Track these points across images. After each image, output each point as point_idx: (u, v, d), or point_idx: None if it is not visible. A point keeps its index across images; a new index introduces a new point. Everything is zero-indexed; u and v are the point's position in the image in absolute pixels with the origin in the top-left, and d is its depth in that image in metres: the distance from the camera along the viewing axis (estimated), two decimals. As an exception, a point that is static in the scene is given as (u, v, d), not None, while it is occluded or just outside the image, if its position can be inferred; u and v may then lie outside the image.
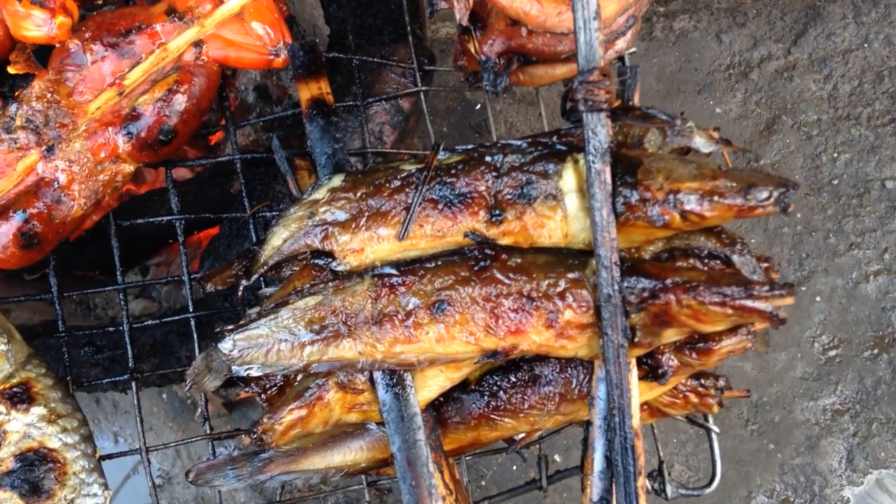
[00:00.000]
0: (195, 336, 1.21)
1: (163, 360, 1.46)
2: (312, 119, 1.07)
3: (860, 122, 3.10)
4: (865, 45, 3.20)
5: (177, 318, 1.25)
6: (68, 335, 1.34)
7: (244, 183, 1.24)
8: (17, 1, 1.16)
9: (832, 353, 2.92)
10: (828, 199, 3.03)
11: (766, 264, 1.02)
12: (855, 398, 2.88)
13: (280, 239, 1.05)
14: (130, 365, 1.20)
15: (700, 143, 1.03)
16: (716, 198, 0.92)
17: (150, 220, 1.24)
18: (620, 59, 1.31)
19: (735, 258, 0.99)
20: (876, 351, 2.92)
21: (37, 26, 1.16)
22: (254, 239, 1.23)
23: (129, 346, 1.20)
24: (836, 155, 3.07)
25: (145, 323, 1.24)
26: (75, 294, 1.26)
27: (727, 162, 1.06)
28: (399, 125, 1.34)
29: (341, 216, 1.03)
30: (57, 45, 1.19)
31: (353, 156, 1.29)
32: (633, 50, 1.28)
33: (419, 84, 1.30)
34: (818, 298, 2.96)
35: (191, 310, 1.22)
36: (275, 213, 1.25)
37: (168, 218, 1.24)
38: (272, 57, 1.21)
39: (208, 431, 1.19)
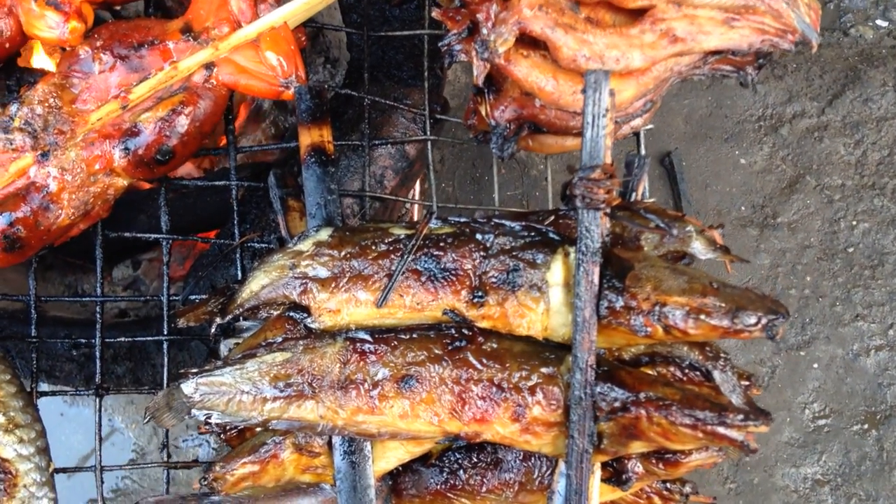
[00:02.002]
0: (166, 360, 1.20)
1: (137, 365, 1.45)
2: (309, 166, 1.05)
3: (884, 193, 3.04)
4: (901, 117, 3.14)
5: (150, 338, 1.23)
6: (46, 328, 1.34)
7: (237, 211, 1.22)
8: (33, 0, 1.14)
9: (822, 422, 2.89)
10: (840, 267, 2.99)
11: (747, 382, 0.99)
12: (838, 471, 2.85)
13: (259, 284, 1.04)
14: (97, 380, 1.19)
15: (698, 249, 1.00)
16: (702, 316, 0.89)
17: (138, 235, 1.23)
18: (636, 134, 1.28)
19: (716, 374, 0.96)
20: (866, 426, 2.88)
21: (49, 28, 1.14)
22: (239, 269, 1.21)
23: (98, 361, 1.19)
24: (854, 223, 3.02)
25: (118, 339, 1.22)
26: (51, 300, 1.25)
27: (728, 270, 1.03)
28: (402, 171, 1.31)
29: (322, 273, 1.01)
30: (67, 49, 1.18)
31: (351, 197, 1.27)
32: (649, 127, 1.25)
33: (428, 132, 1.27)
34: (815, 365, 2.92)
35: (165, 332, 1.21)
36: (263, 246, 1.23)
37: (156, 236, 1.22)
38: (282, 89, 1.19)
39: (165, 459, 1.18)
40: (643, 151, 1.28)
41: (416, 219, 1.57)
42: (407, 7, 1.47)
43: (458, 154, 2.81)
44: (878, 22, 3.25)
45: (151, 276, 1.72)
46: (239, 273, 1.21)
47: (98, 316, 1.21)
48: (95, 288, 1.21)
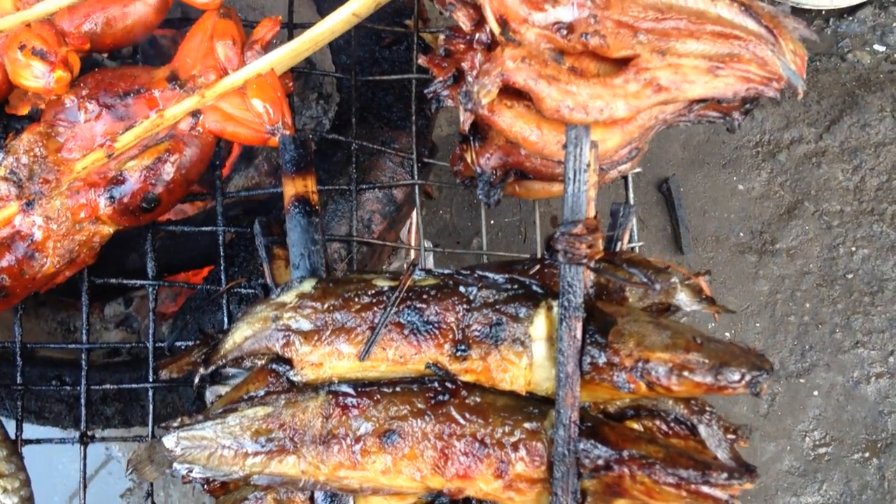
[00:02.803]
0: (151, 408, 1.19)
1: (127, 406, 1.44)
2: (293, 217, 1.05)
3: (883, 219, 3.03)
4: (900, 141, 3.13)
5: (136, 385, 1.23)
6: (36, 367, 1.33)
7: (224, 256, 1.22)
8: (19, 49, 1.15)
9: (822, 450, 2.87)
10: (839, 293, 2.97)
11: (733, 436, 0.98)
12: (839, 500, 2.82)
13: (242, 336, 1.03)
14: (82, 428, 1.18)
15: (683, 300, 0.99)
16: (685, 373, 0.88)
17: (125, 281, 1.23)
18: (624, 178, 1.28)
19: (701, 428, 0.95)
20: (867, 454, 2.86)
21: (35, 77, 1.15)
22: (226, 314, 1.21)
23: (83, 408, 1.18)
24: (854, 249, 3.01)
25: (104, 387, 1.22)
26: (37, 346, 1.25)
27: (716, 318, 1.02)
28: (390, 215, 1.31)
29: (305, 325, 1.00)
30: (53, 98, 1.18)
31: (338, 242, 1.26)
32: (637, 170, 1.25)
33: (416, 176, 1.27)
34: (815, 393, 2.90)
35: (150, 380, 1.21)
36: (250, 291, 1.23)
37: (142, 282, 1.22)
38: (269, 136, 1.19)
39: (151, 508, 1.17)
40: (631, 197, 1.27)
41: (411, 252, 1.56)
42: (396, 48, 1.47)
43: (455, 180, 2.82)
44: (876, 47, 3.25)
45: (143, 313, 1.72)
46: (226, 319, 1.21)
47: (83, 363, 1.20)
48: (82, 334, 1.21)
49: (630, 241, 1.25)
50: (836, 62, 3.23)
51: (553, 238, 0.92)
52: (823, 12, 3.20)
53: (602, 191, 1.33)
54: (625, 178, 1.28)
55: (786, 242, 3.01)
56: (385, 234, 1.32)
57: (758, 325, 2.92)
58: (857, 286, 2.98)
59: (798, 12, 3.17)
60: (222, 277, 1.21)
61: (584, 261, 0.90)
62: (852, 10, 3.21)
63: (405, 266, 1.56)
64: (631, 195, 1.26)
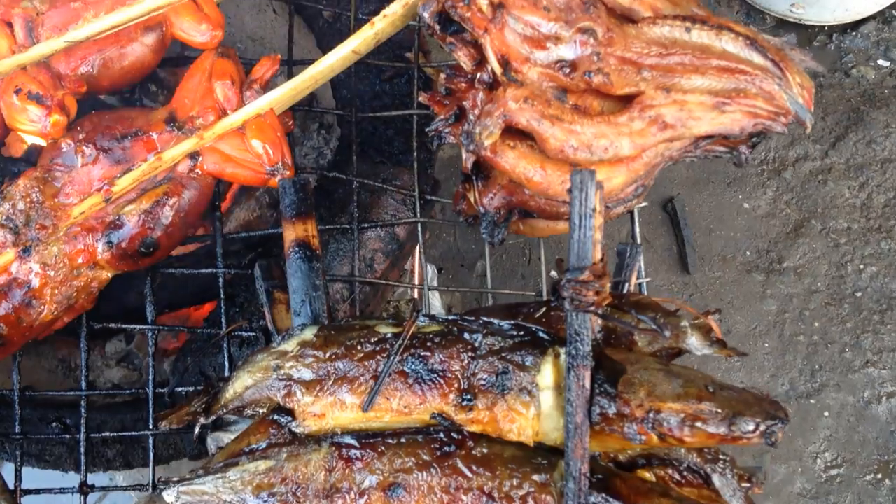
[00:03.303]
0: (152, 456, 1.17)
1: (128, 448, 1.42)
2: (293, 262, 1.03)
3: (891, 236, 3.00)
4: (906, 156, 3.10)
5: (136, 433, 1.21)
6: (36, 410, 1.31)
7: (223, 299, 1.20)
8: (14, 93, 1.13)
9: (834, 471, 2.83)
10: (848, 312, 2.94)
11: (748, 484, 0.95)
12: (852, 523, 2.79)
13: (243, 385, 1.01)
14: (81, 478, 1.16)
15: (694, 344, 0.97)
16: (698, 423, 0.86)
17: (123, 326, 1.21)
18: (630, 213, 1.26)
19: (715, 478, 0.93)
20: (879, 475, 2.82)
21: (31, 122, 1.13)
22: (227, 358, 1.19)
23: (82, 457, 1.16)
24: (862, 266, 2.98)
25: (104, 434, 1.20)
26: (35, 394, 1.23)
27: (728, 353, 0.99)
28: (392, 253, 1.29)
29: (307, 375, 0.98)
30: (49, 142, 1.16)
31: (341, 282, 1.24)
32: (643, 205, 1.23)
33: (418, 214, 1.25)
34: (826, 413, 2.86)
35: (150, 427, 1.18)
36: (250, 334, 1.21)
37: (141, 328, 1.20)
38: (269, 176, 1.17)
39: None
40: (637, 234, 1.25)
41: (416, 279, 1.54)
42: (397, 81, 1.46)
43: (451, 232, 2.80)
44: (880, 62, 3.23)
45: (145, 350, 1.69)
46: (227, 362, 1.19)
47: (83, 410, 1.18)
48: (81, 381, 1.19)
49: (637, 276, 1.23)
50: (840, 78, 3.21)
51: (559, 285, 0.89)
52: (826, 28, 3.18)
53: (608, 222, 1.31)
54: (631, 212, 1.25)
55: (793, 261, 2.98)
56: (388, 273, 1.30)
57: (766, 345, 2.89)
58: (866, 304, 2.94)
59: (801, 28, 3.15)
60: (223, 320, 1.19)
61: (592, 308, 0.88)
62: (856, 25, 3.19)
63: (408, 299, 1.54)
64: (637, 231, 1.24)
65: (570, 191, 0.89)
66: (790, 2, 3.08)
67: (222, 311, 1.20)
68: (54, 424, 1.44)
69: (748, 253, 2.99)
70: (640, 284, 1.24)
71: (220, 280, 1.20)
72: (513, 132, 1.04)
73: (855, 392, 2.84)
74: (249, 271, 1.20)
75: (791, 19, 3.15)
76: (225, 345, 1.19)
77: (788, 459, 2.80)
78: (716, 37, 1.10)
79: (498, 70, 1.02)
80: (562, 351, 0.93)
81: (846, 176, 3.06)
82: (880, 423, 2.82)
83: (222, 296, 1.20)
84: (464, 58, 1.06)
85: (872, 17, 3.20)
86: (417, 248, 1.27)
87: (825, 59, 3.23)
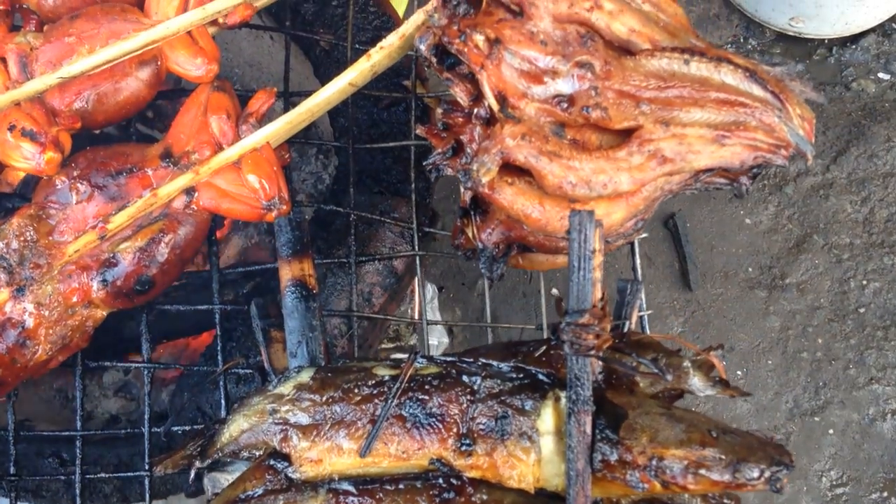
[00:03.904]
0: (149, 495, 1.15)
1: (126, 483, 1.40)
2: (290, 302, 1.01)
3: (894, 251, 2.99)
4: (908, 171, 3.09)
5: (131, 474, 1.19)
6: (33, 444, 1.29)
7: (220, 335, 1.18)
8: (8, 130, 1.12)
9: (839, 490, 2.80)
10: (852, 328, 2.92)
11: (753, 528, 0.94)
12: (858, 542, 2.76)
13: (238, 429, 1.00)
14: (77, 520, 1.15)
15: (696, 385, 0.95)
16: (702, 471, 0.84)
17: (117, 364, 1.19)
18: (631, 245, 1.24)
19: (719, 522, 0.91)
20: (885, 494, 2.79)
21: (25, 159, 1.12)
22: (223, 395, 1.17)
23: (77, 497, 1.15)
24: (865, 282, 2.96)
25: (99, 475, 1.19)
26: (31, 434, 1.21)
27: (731, 394, 0.98)
28: (390, 287, 1.28)
29: (303, 419, 0.97)
30: (44, 178, 1.15)
31: (339, 317, 1.23)
32: (644, 235, 1.21)
33: (416, 247, 1.24)
34: (831, 431, 2.84)
35: (146, 468, 1.17)
36: (247, 372, 1.19)
37: (136, 365, 1.18)
38: (265, 211, 1.16)
39: None
40: (637, 264, 1.24)
41: (416, 313, 1.52)
42: (395, 110, 1.45)
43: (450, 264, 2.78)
44: (881, 75, 3.22)
45: (142, 380, 1.68)
46: (223, 400, 1.18)
47: (78, 450, 1.17)
48: (76, 421, 1.18)
49: (639, 309, 1.21)
50: (840, 91, 3.20)
51: (559, 328, 0.88)
52: (826, 41, 3.17)
53: (608, 255, 1.29)
54: (631, 245, 1.24)
55: (796, 277, 2.96)
56: (386, 306, 1.29)
57: (770, 362, 2.87)
58: (870, 320, 2.93)
59: (800, 41, 3.15)
60: (219, 357, 1.18)
61: (592, 352, 0.87)
62: (855, 38, 3.18)
63: (409, 322, 1.53)
64: (638, 263, 1.22)
65: (568, 232, 0.87)
66: (789, 16, 3.07)
67: (219, 347, 1.18)
68: (51, 459, 1.43)
69: (750, 269, 2.97)
70: (641, 317, 1.22)
71: (217, 316, 1.19)
72: (510, 168, 1.03)
73: (860, 409, 2.82)
74: (246, 307, 1.19)
75: (791, 33, 3.14)
76: (221, 382, 1.18)
77: (793, 478, 2.78)
78: (715, 69, 1.08)
79: (495, 107, 1.01)
80: (562, 395, 0.92)
81: (848, 191, 3.04)
82: (885, 441, 2.79)
83: (218, 332, 1.18)
84: (461, 94, 1.05)
85: (872, 30, 3.19)
86: (416, 280, 1.25)
87: (825, 73, 3.22)
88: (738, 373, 2.87)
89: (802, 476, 2.76)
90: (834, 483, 2.77)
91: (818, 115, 3.12)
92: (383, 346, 1.39)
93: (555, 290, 1.08)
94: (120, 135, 1.46)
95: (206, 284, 1.36)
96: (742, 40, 3.22)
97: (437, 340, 2.64)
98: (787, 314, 2.93)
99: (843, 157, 3.09)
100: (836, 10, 2.97)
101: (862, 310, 2.94)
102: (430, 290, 2.26)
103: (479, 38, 1.01)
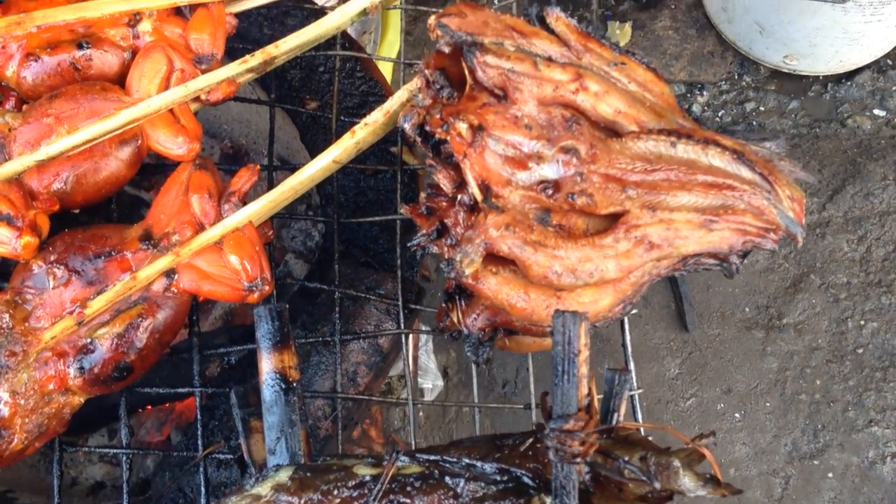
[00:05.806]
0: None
1: (108, 558, 1.38)
2: (269, 396, 0.99)
3: (892, 291, 2.97)
4: (904, 209, 3.07)
5: (110, 564, 1.17)
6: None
7: (200, 419, 1.16)
8: (-16, 215, 1.10)
9: (840, 535, 2.77)
10: (850, 369, 2.89)
11: None
12: (859, 588, 2.72)
13: (217, 529, 0.97)
14: None
15: (687, 485, 0.92)
16: (690, 583, 0.81)
17: (98, 448, 1.17)
18: (621, 322, 1.22)
19: None
20: (886, 538, 2.76)
21: (1, 244, 1.10)
22: (203, 480, 1.14)
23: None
24: (863, 322, 2.94)
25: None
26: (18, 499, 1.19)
27: (723, 493, 0.95)
28: (376, 365, 1.26)
29: (282, 522, 0.94)
30: (21, 262, 1.13)
31: (323, 398, 1.21)
32: (633, 311, 1.19)
33: (402, 325, 1.21)
34: (830, 475, 2.80)
35: (125, 559, 1.14)
36: (228, 456, 1.17)
37: (115, 451, 1.16)
38: (247, 293, 1.14)
39: None
40: (627, 340, 1.21)
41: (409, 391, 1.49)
42: (382, 176, 1.43)
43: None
44: (876, 111, 3.21)
45: (122, 468, 1.65)
46: (202, 485, 1.15)
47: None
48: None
49: (631, 400, 1.19)
50: (836, 128, 3.19)
51: (544, 434, 0.86)
52: (821, 77, 3.16)
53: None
54: (622, 322, 1.22)
55: (793, 317, 2.94)
56: (371, 385, 1.26)
57: (768, 404, 2.84)
58: (868, 361, 2.90)
59: (795, 78, 3.14)
60: (199, 443, 1.15)
61: (577, 460, 0.84)
62: (850, 74, 3.18)
63: (399, 375, 1.50)
64: (629, 341, 1.20)
65: (551, 332, 0.85)
66: (783, 53, 3.07)
67: (199, 432, 1.16)
68: (32, 534, 1.40)
69: (747, 309, 2.95)
70: (632, 397, 1.20)
71: (197, 401, 1.16)
72: (495, 257, 1.01)
73: (859, 452, 2.79)
74: (228, 389, 1.17)
75: (785, 70, 3.14)
76: (202, 467, 1.15)
77: (794, 523, 2.74)
78: (702, 151, 1.07)
79: (478, 196, 0.99)
80: (547, 500, 0.89)
81: (844, 229, 3.03)
82: (885, 484, 2.76)
83: (199, 416, 1.16)
84: (444, 181, 1.03)
85: (867, 66, 3.19)
86: (403, 361, 1.23)
87: (820, 109, 3.22)
88: (737, 415, 2.84)
89: (802, 521, 2.73)
90: (834, 528, 2.74)
91: (813, 154, 3.12)
92: (374, 398, 1.36)
93: (543, 394, 1.03)
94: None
95: (189, 348, 1.34)
96: (737, 77, 3.22)
97: (432, 384, 2.61)
98: (785, 355, 2.90)
99: (839, 196, 3.07)
100: (831, 49, 2.97)
101: (860, 350, 2.92)
102: (424, 336, 2.24)
103: (462, 127, 0.99)
